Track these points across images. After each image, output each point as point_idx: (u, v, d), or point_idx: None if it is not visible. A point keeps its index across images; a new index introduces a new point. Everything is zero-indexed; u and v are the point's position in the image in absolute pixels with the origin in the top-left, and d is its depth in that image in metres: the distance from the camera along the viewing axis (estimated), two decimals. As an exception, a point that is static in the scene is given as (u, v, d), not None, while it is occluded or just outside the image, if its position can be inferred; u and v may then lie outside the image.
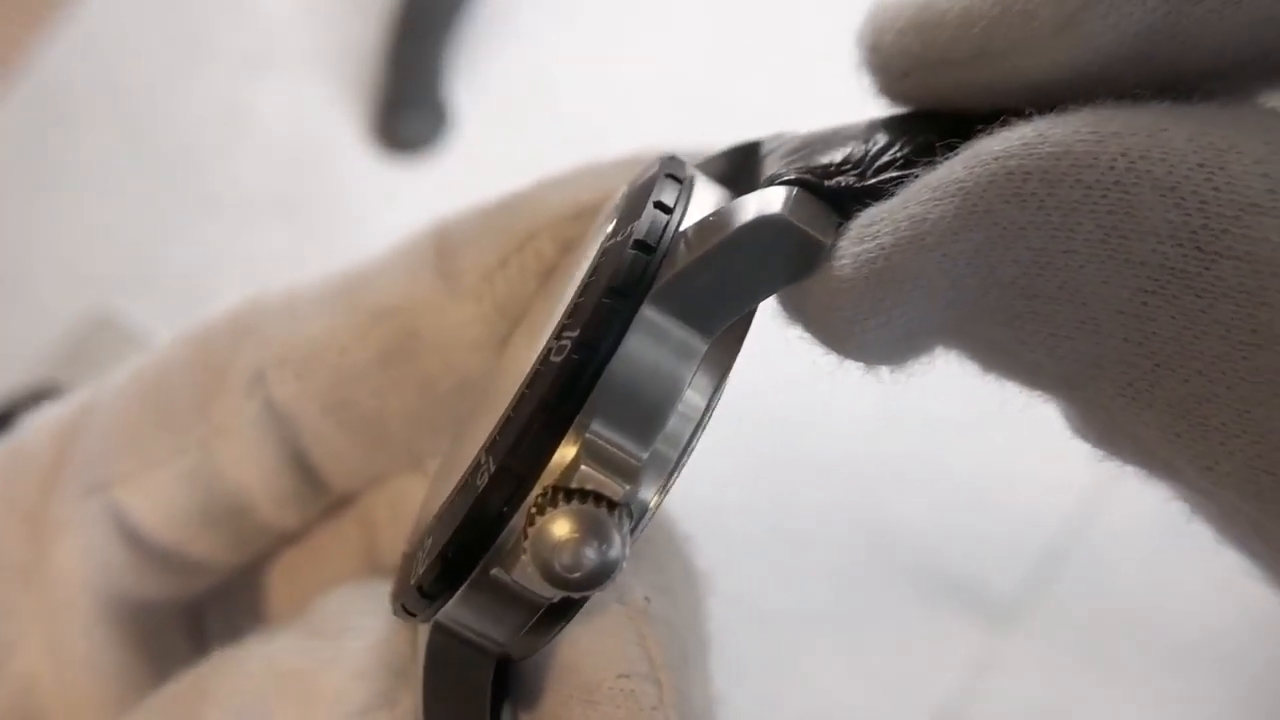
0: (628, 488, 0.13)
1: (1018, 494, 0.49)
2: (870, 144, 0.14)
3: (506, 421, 0.13)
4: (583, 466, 0.13)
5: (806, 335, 0.14)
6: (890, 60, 0.14)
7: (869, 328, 0.13)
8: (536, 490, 0.13)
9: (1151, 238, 0.11)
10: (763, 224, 0.13)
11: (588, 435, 0.13)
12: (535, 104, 0.55)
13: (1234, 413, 0.11)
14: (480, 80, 0.55)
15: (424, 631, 0.14)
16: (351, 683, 0.14)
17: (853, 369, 0.14)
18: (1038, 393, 0.13)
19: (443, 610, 0.14)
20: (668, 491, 0.14)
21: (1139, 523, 0.48)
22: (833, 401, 0.49)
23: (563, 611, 0.14)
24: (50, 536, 0.17)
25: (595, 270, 0.14)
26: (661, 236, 0.13)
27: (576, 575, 0.12)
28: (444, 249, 0.17)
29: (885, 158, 0.13)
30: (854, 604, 0.48)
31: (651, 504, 0.13)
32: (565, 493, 0.13)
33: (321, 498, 0.18)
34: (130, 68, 0.55)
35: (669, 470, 0.13)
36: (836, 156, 0.14)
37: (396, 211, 0.52)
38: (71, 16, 0.55)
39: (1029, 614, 0.47)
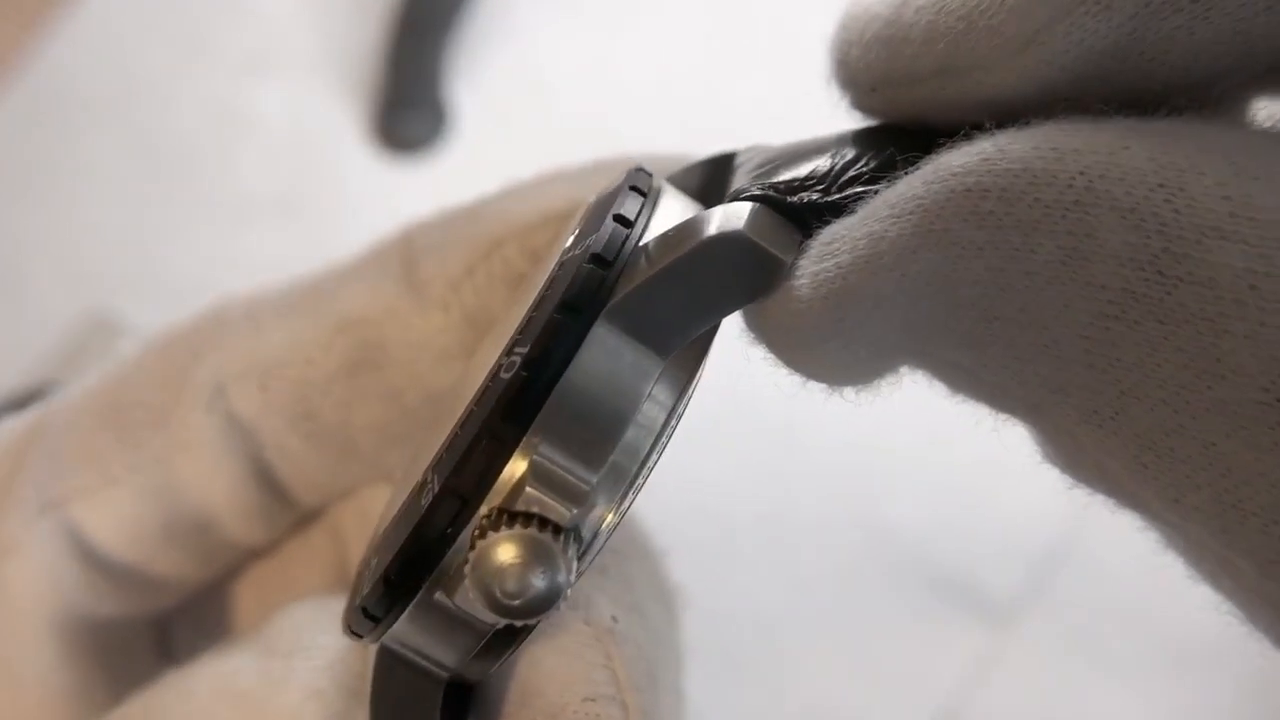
0: (575, 511, 0.12)
1: (1018, 494, 0.49)
2: (836, 159, 0.13)
3: (453, 439, 0.13)
4: (528, 489, 0.12)
5: (769, 356, 0.14)
6: (857, 75, 0.14)
7: (829, 350, 0.12)
8: (482, 512, 0.12)
9: (1112, 260, 0.10)
10: (722, 241, 0.13)
11: (535, 457, 0.12)
12: (535, 104, 0.54)
13: (1199, 445, 0.11)
14: (480, 80, 0.55)
15: (373, 652, 0.14)
16: (305, 704, 0.14)
17: (818, 389, 0.14)
18: (1004, 416, 0.13)
19: (388, 633, 0.13)
20: (624, 512, 0.13)
21: (1139, 523, 0.48)
22: (832, 400, 0.49)
23: (512, 636, 0.13)
24: (0, 555, 0.17)
25: (549, 284, 0.13)
26: (620, 251, 0.13)
27: (518, 603, 0.12)
28: (410, 258, 0.17)
29: (851, 173, 0.13)
30: (854, 604, 0.48)
31: (605, 525, 0.13)
32: (509, 516, 0.12)
33: (289, 512, 0.18)
34: (130, 68, 0.55)
35: (624, 490, 0.13)
36: (802, 172, 0.13)
37: (396, 211, 0.52)
38: (71, 16, 0.55)
39: (1028, 614, 0.47)
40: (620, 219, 0.13)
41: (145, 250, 0.52)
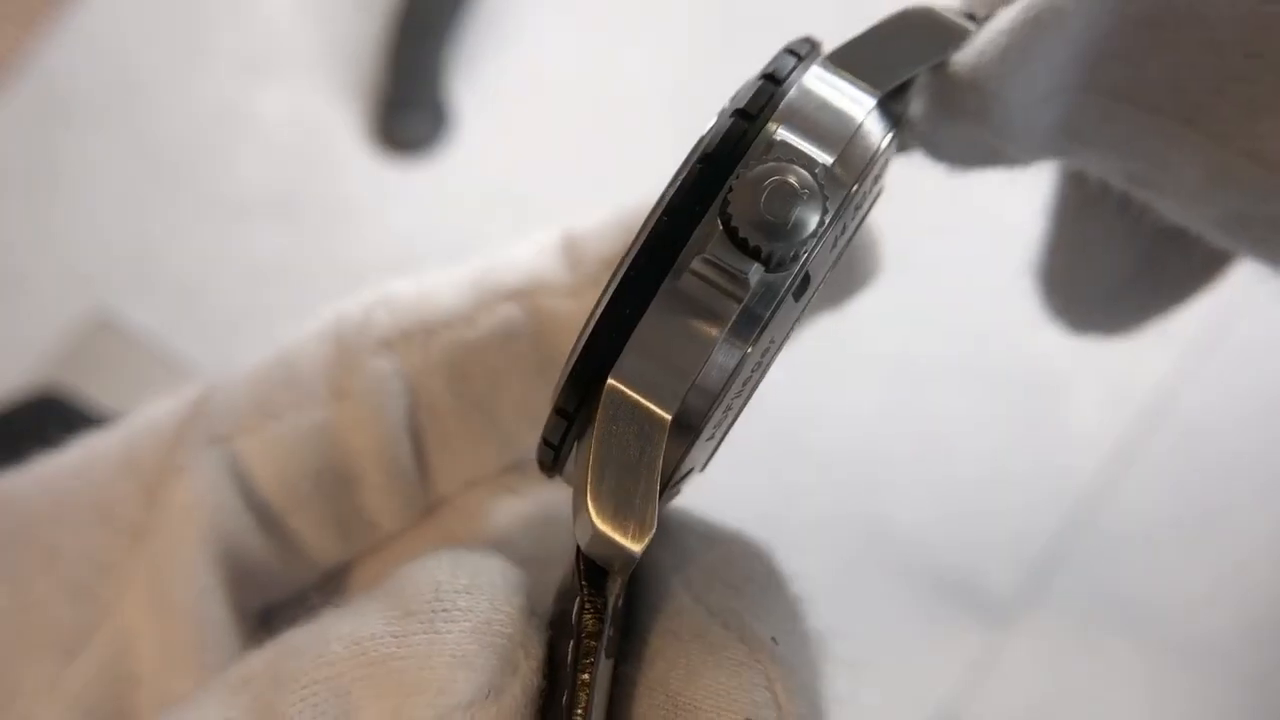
0: (830, 158, 0.12)
1: (1018, 494, 0.49)
2: None
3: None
4: (781, 136, 0.12)
5: (948, 132, 0.14)
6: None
7: (1015, 86, 0.13)
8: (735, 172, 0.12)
9: None
10: (912, 12, 0.14)
11: (784, 125, 0.13)
12: (535, 104, 0.54)
13: None
14: (480, 80, 0.55)
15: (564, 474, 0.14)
16: (453, 673, 0.13)
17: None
18: (1152, 148, 0.14)
19: (612, 373, 0.13)
20: (847, 238, 0.14)
21: (1139, 522, 0.48)
22: (833, 401, 0.49)
23: (753, 323, 0.13)
24: (167, 484, 0.17)
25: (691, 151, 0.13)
26: (765, 105, 0.13)
27: (779, 219, 0.12)
28: (570, 241, 0.18)
29: None
30: (854, 603, 0.48)
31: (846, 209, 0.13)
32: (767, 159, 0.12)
33: (421, 493, 0.18)
34: (130, 68, 0.55)
35: (842, 202, 0.13)
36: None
37: (396, 211, 0.52)
38: (71, 17, 0.55)
39: (1029, 613, 0.47)
40: (769, 77, 0.13)
41: (145, 250, 0.52)
